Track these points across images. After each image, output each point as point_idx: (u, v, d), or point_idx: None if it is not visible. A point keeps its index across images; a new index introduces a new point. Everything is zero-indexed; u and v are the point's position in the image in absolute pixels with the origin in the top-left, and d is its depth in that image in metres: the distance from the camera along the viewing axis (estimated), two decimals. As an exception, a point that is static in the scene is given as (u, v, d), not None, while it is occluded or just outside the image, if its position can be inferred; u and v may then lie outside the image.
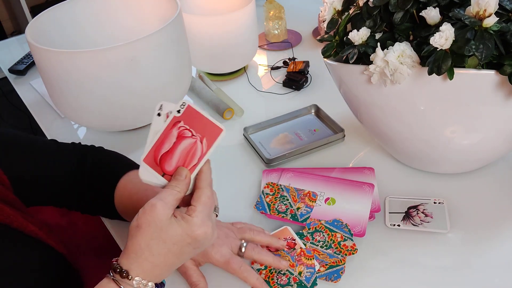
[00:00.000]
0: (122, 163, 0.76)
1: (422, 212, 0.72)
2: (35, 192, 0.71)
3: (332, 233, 0.71)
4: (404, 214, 0.73)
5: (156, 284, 0.54)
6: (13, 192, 0.67)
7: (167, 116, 0.55)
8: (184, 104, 0.55)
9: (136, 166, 0.74)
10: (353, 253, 0.68)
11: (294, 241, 0.70)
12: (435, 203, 0.73)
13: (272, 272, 0.66)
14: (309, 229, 0.72)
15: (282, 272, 0.66)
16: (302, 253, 0.68)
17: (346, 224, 0.71)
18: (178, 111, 0.55)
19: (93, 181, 0.73)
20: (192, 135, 0.55)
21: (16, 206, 0.66)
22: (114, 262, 0.54)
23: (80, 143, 0.78)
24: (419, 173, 0.81)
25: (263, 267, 0.67)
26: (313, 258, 0.67)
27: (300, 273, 0.65)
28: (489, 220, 0.72)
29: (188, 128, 0.55)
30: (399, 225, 0.71)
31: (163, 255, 0.52)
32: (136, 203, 0.68)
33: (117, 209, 0.72)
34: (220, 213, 0.77)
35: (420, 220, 0.71)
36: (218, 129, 0.55)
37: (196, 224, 0.53)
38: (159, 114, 0.56)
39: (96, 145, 0.79)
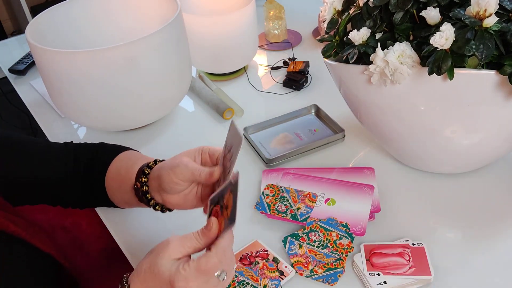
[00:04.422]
0: (109, 150, 0.76)
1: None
2: (23, 193, 0.72)
3: (328, 232, 0.71)
4: None
5: None
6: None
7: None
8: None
9: (123, 149, 0.75)
10: (349, 251, 0.68)
11: (266, 252, 0.70)
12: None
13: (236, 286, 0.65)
14: (304, 229, 0.72)
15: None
16: (264, 266, 0.67)
17: (346, 223, 0.71)
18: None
19: (87, 175, 0.73)
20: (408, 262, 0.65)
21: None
22: (124, 276, 0.56)
23: (72, 142, 0.78)
24: (419, 173, 0.81)
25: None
26: (276, 270, 0.67)
27: (265, 286, 0.64)
28: (489, 220, 0.72)
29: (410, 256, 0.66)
30: None
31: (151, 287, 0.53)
32: (121, 182, 0.69)
33: (108, 194, 0.73)
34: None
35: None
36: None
37: (182, 277, 0.52)
38: None
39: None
